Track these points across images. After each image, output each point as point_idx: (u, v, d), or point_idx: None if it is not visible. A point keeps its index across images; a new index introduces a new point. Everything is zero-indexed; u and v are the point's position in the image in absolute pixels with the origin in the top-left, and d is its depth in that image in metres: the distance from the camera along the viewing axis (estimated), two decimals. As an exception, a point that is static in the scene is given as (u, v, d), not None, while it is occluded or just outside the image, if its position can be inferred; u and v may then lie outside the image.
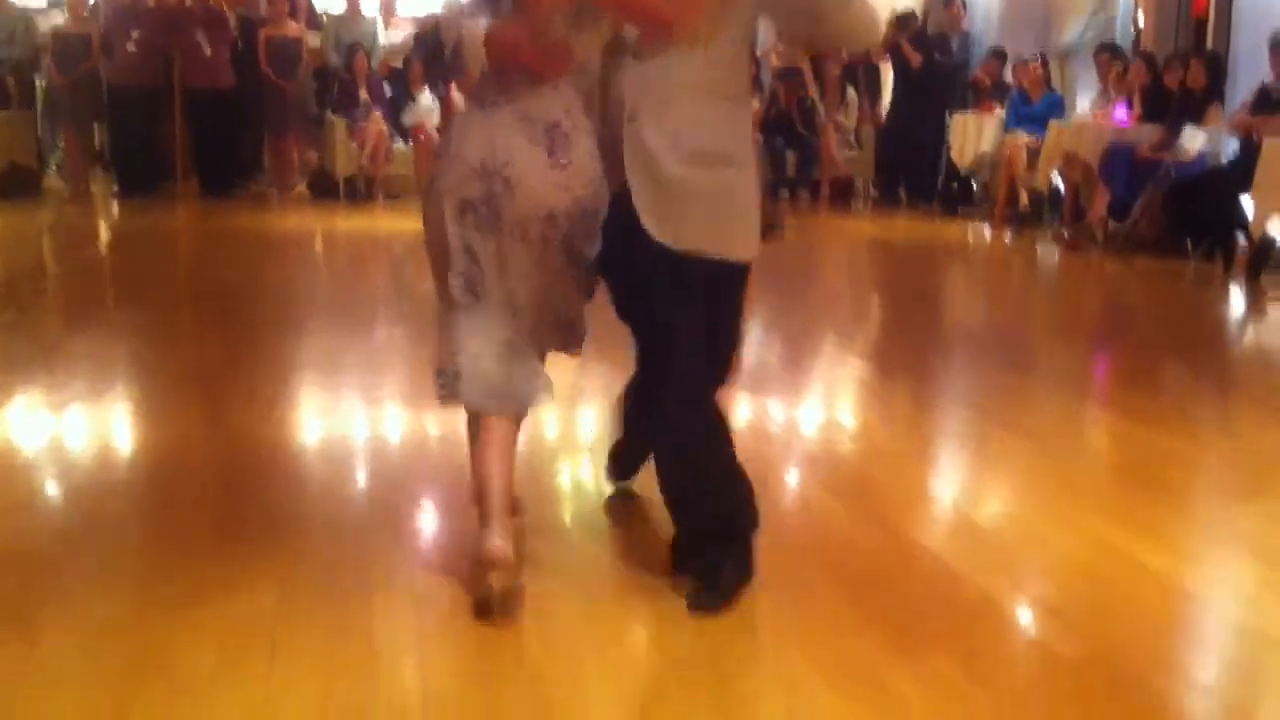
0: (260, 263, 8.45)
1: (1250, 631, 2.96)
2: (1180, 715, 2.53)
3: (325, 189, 11.84)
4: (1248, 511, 3.85)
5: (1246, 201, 8.29)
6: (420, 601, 2.94)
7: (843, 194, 12.50)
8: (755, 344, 5.82)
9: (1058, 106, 11.02)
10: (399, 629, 2.80)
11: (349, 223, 10.33)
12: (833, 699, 2.52)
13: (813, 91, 12.18)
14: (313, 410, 4.76)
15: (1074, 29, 11.73)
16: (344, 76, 12.06)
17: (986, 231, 10.83)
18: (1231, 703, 2.61)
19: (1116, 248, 9.44)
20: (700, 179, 2.89)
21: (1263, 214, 7.98)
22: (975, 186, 12.09)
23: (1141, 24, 11.27)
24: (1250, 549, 3.55)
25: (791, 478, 4.07)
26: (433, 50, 12.63)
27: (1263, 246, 8.15)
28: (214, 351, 5.56)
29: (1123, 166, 9.49)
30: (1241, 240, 8.47)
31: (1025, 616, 3.04)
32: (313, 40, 12.53)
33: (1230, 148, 9.18)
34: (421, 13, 13.92)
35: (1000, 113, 11.36)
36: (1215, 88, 9.44)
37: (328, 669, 2.59)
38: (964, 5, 13.05)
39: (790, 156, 12.19)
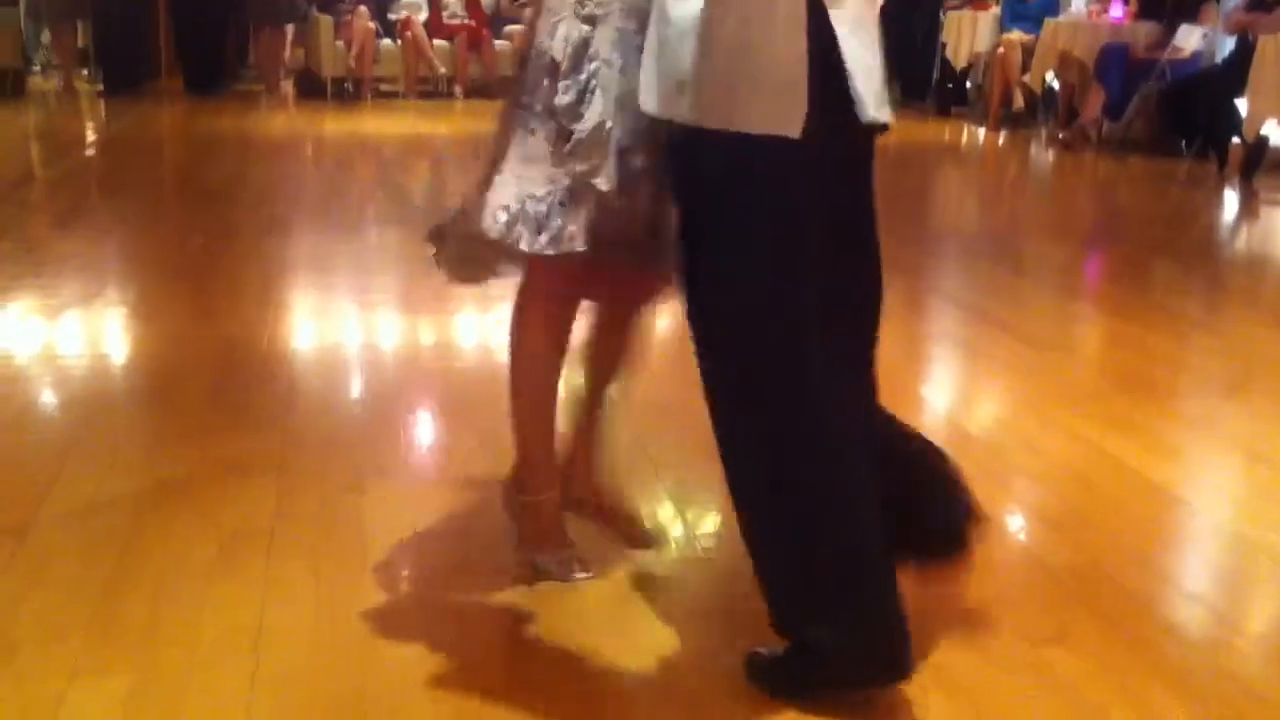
0: (248, 164, 8.37)
1: (1239, 537, 2.99)
2: (1168, 623, 2.56)
3: (312, 89, 11.71)
4: (1236, 410, 3.88)
5: (1241, 103, 8.23)
6: (414, 500, 2.97)
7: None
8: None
9: (1053, 4, 10.90)
10: (392, 527, 2.82)
11: (337, 124, 10.23)
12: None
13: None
14: (304, 314, 4.74)
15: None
16: (328, -28, 11.88)
17: (981, 132, 10.76)
18: (1220, 610, 2.64)
19: (1111, 148, 9.40)
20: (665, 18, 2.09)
21: (1257, 116, 7.93)
22: (969, 86, 11.99)
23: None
24: (1239, 449, 3.58)
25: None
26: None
27: (1257, 148, 8.12)
28: (204, 254, 5.53)
29: (1118, 66, 9.41)
30: (1235, 141, 8.42)
31: (1014, 523, 3.06)
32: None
33: (1226, 47, 9.10)
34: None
35: (996, 10, 11.23)
36: (1212, -16, 9.35)
37: (321, 563, 2.63)
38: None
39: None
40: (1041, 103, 10.86)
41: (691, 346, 2.17)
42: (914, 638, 2.15)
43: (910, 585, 2.31)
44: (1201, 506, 3.18)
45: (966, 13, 11.53)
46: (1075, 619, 2.51)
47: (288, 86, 12.13)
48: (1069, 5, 11.13)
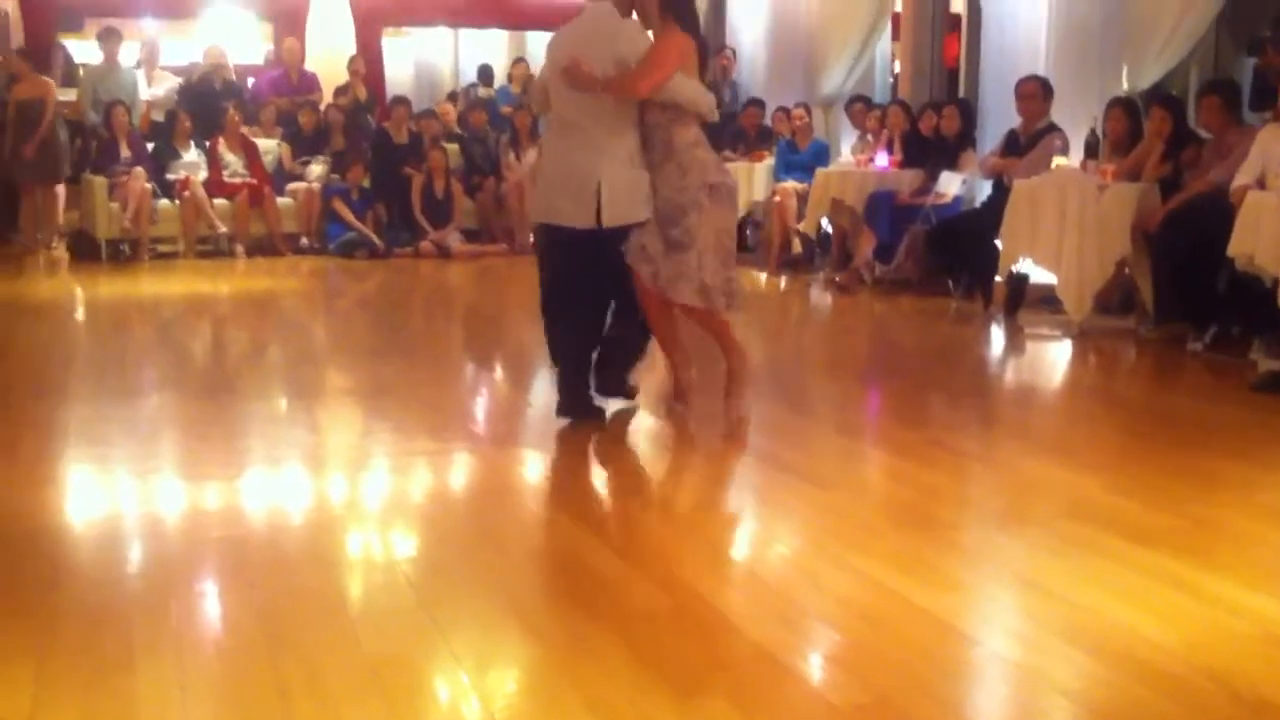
0: (18, 328, 8.08)
1: (1016, 664, 3.07)
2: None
3: (87, 251, 11.40)
4: (1012, 541, 4.00)
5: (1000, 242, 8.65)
6: (188, 676, 2.86)
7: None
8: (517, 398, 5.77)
9: (824, 154, 11.38)
10: (164, 706, 2.72)
11: (113, 286, 9.97)
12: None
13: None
14: (75, 484, 4.55)
15: (836, 78, 12.11)
16: (103, 133, 11.68)
17: (762, 277, 11.07)
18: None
19: (884, 288, 9.78)
20: None
21: (1009, 255, 8.33)
22: (750, 232, 12.37)
23: (898, 72, 11.77)
24: (1016, 580, 3.68)
25: (564, 532, 4.06)
26: (199, 101, 12.34)
27: (1016, 285, 8.53)
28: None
29: (885, 211, 9.86)
30: (999, 278, 8.83)
31: (802, 664, 3.09)
32: (69, 96, 12.12)
33: (984, 190, 9.61)
34: (184, 63, 13.58)
35: (770, 161, 11.65)
36: (968, 133, 9.89)
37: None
38: (734, 55, 13.41)
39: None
40: (817, 247, 11.26)
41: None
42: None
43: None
44: (981, 637, 3.25)
45: (743, 163, 11.91)
46: (864, 759, 2.53)
47: (60, 249, 11.80)
48: (838, 155, 11.65)
